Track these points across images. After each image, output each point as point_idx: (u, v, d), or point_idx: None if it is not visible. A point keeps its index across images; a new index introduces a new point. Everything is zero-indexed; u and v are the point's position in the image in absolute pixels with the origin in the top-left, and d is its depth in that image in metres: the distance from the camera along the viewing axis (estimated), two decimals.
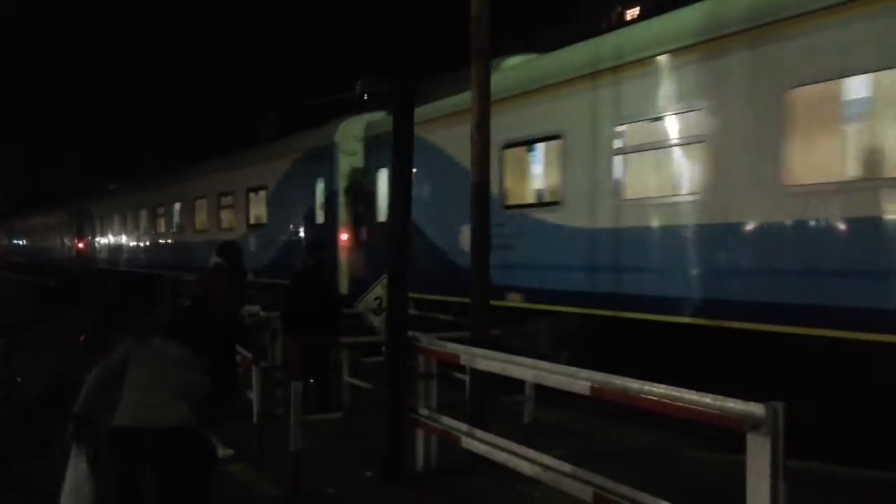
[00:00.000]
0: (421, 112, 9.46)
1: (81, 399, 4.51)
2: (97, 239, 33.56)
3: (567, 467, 4.91)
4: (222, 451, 7.28)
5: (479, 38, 7.29)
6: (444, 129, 11.68)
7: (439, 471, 6.59)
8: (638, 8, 11.41)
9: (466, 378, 7.54)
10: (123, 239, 29.80)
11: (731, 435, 3.82)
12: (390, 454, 6.52)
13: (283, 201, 17.16)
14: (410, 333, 6.64)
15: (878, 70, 6.58)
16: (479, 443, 5.76)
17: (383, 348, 6.93)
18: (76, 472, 4.42)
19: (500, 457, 5.46)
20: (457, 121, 10.62)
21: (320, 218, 15.50)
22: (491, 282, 7.62)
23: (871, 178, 6.78)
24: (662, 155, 8.69)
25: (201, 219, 22.01)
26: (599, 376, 4.68)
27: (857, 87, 6.87)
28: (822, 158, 7.18)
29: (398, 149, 6.59)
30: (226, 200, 20.23)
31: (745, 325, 7.25)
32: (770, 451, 3.62)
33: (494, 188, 9.44)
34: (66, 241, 38.81)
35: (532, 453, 5.30)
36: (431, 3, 8.17)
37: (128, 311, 15.43)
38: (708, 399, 3.93)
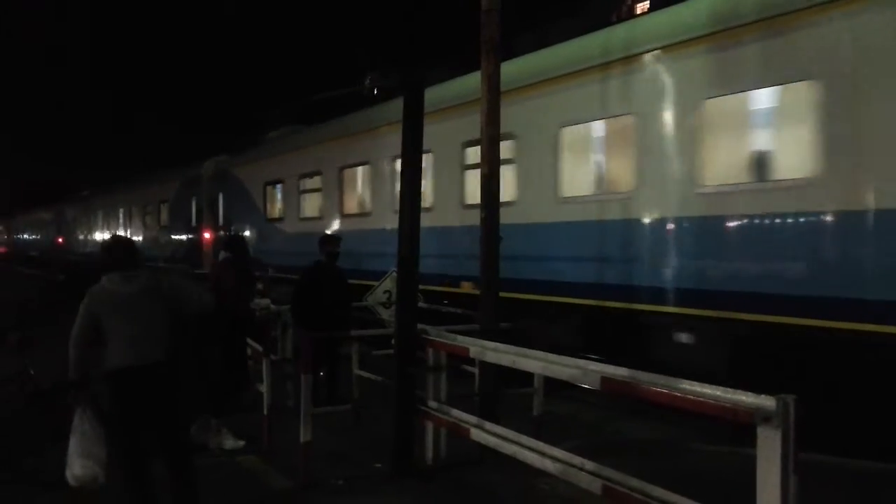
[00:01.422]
0: (232, 160, 20.44)
1: (71, 367, 4.92)
2: (70, 235, 41.42)
3: (576, 459, 4.91)
4: (233, 443, 7.33)
5: (489, 30, 7.27)
6: (244, 169, 19.65)
7: (449, 463, 6.61)
8: (648, 1, 11.35)
9: (475, 370, 7.55)
10: (87, 235, 37.47)
11: (742, 427, 3.80)
12: (400, 446, 6.53)
13: (176, 211, 24.86)
14: (420, 326, 6.65)
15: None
16: (489, 435, 5.76)
17: (393, 341, 6.94)
18: (91, 434, 4.88)
19: (510, 449, 5.46)
20: (250, 167, 19.32)
21: (194, 222, 22.78)
22: (261, 260, 15.55)
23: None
24: (314, 196, 16.04)
25: (136, 221, 29.74)
26: (610, 369, 4.68)
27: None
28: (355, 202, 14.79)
29: (407, 143, 6.56)
30: (148, 209, 28.11)
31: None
32: (781, 444, 3.60)
33: (262, 207, 18.54)
34: (49, 235, 47.50)
35: (541, 445, 5.30)
36: None
37: None
38: (718, 392, 3.92)
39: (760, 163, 7.90)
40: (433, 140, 10.10)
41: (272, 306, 9.94)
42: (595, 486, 4.60)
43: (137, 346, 4.98)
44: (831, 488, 5.66)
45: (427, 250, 7.33)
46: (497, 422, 6.02)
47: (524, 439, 5.49)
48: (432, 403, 6.53)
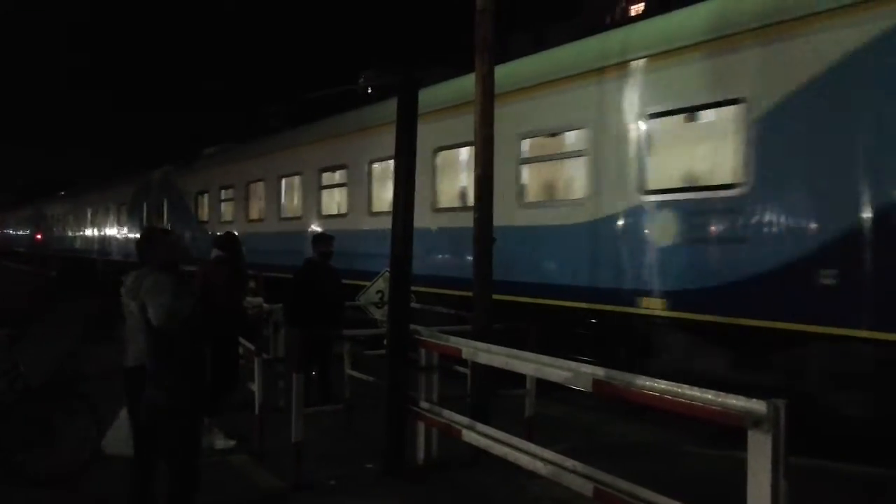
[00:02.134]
0: (175, 171, 24.78)
1: None
2: (47, 232, 46.06)
3: (568, 462, 4.91)
4: (224, 442, 7.32)
5: (484, 31, 7.27)
6: (183, 179, 23.82)
7: (440, 464, 6.60)
8: (643, 3, 11.36)
9: (467, 371, 7.55)
10: (61, 233, 41.85)
11: (733, 431, 3.82)
12: (391, 447, 6.53)
13: (131, 212, 28.89)
14: (412, 327, 6.64)
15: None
16: (481, 436, 5.76)
17: (385, 341, 6.93)
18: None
19: (501, 451, 5.46)
20: (187, 178, 23.41)
21: (146, 222, 26.15)
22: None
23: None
24: (230, 204, 20.49)
25: (100, 220, 33.76)
26: (602, 371, 4.68)
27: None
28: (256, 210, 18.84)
29: (401, 143, 6.57)
30: (110, 209, 31.93)
31: None
32: (771, 448, 3.62)
33: (194, 212, 22.51)
34: (30, 232, 52.48)
35: (533, 447, 5.30)
36: None
37: None
38: (710, 395, 3.93)
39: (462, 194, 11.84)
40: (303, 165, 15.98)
41: (264, 305, 9.92)
42: (586, 488, 4.61)
43: (129, 346, 5.07)
44: (822, 493, 5.68)
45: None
46: (489, 423, 6.02)
47: (516, 441, 5.50)
48: (424, 404, 6.52)
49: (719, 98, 7.75)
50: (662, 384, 4.23)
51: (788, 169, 7.17)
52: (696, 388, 4.04)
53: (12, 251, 54.43)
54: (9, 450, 6.18)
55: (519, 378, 6.80)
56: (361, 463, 6.79)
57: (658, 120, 8.44)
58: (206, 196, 21.92)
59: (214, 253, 8.43)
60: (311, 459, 6.45)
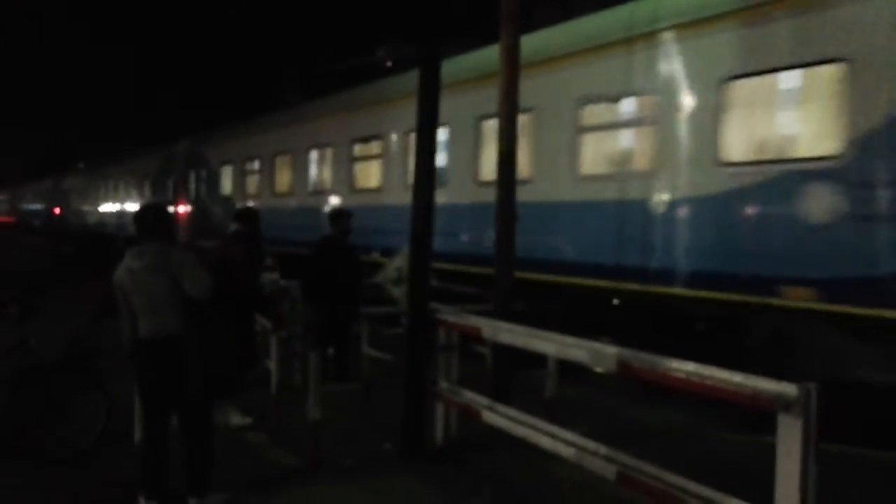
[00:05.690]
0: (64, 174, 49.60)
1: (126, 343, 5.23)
2: (22, 209, 66.11)
3: (590, 444, 4.82)
4: (241, 420, 7.27)
5: (510, 2, 7.11)
6: (69, 180, 45.89)
7: (459, 444, 6.52)
8: None
9: (487, 351, 7.44)
10: (31, 209, 60.76)
11: (759, 414, 3.71)
12: (409, 427, 6.45)
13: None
14: (431, 305, 6.54)
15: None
16: (501, 417, 5.67)
17: (403, 320, 6.83)
18: None
19: (522, 432, 5.38)
20: (73, 178, 45.74)
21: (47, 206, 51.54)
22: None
23: None
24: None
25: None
26: (627, 353, 4.56)
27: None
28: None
29: (423, 117, 6.42)
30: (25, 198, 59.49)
31: None
32: (802, 432, 3.52)
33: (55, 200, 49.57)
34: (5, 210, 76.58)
35: (554, 429, 5.21)
36: None
37: None
38: (739, 378, 3.82)
39: None
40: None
41: (281, 282, 9.83)
42: (609, 471, 4.51)
43: (150, 319, 5.06)
44: (852, 479, 5.57)
45: None
46: (509, 404, 5.92)
47: (537, 422, 5.42)
48: (443, 384, 6.43)
49: None
50: (690, 366, 4.11)
51: None
52: (724, 371, 3.92)
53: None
54: (21, 426, 6.14)
55: (538, 358, 6.69)
56: (379, 443, 6.71)
57: None
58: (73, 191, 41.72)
59: (233, 227, 8.31)
60: (327, 438, 6.38)
